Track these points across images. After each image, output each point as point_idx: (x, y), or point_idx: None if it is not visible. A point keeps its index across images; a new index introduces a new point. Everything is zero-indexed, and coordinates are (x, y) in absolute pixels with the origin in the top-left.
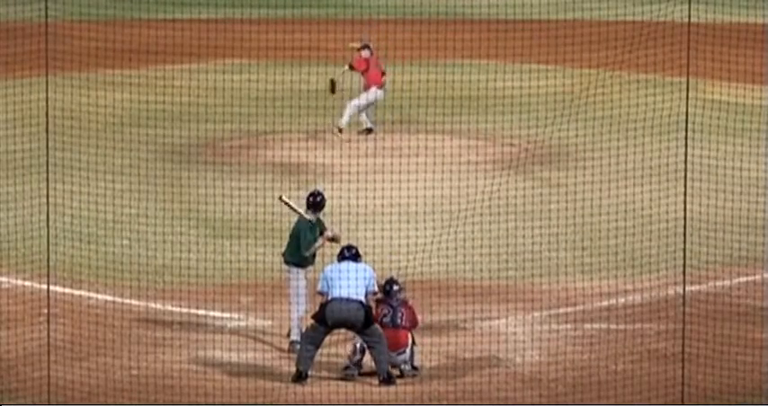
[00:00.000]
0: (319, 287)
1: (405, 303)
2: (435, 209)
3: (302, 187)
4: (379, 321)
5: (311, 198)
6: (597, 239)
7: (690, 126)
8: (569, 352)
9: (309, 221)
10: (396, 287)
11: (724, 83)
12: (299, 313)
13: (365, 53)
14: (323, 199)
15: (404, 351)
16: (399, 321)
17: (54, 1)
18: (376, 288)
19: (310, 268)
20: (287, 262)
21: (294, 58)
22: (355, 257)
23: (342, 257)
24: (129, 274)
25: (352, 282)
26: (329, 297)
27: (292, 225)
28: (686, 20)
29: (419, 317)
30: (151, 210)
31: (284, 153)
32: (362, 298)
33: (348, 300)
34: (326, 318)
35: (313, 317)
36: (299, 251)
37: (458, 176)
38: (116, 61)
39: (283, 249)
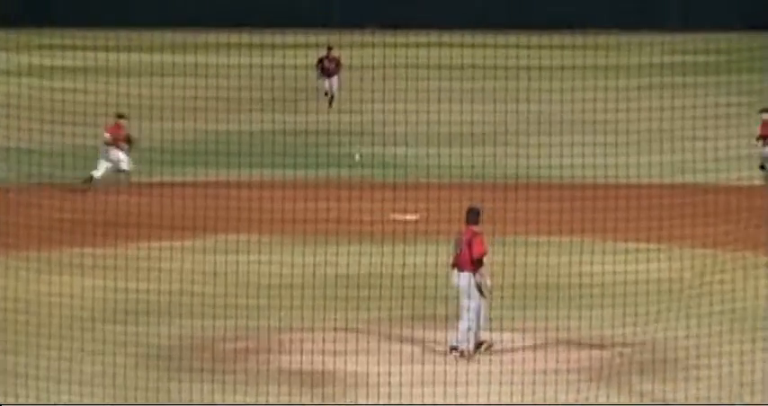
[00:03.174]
0: None
1: None
2: None
3: (328, 402)
4: None
5: None
6: None
7: None
8: None
9: None
10: None
11: None
12: None
13: None
14: None
15: None
16: None
17: (5, 160)
18: None
19: None
20: None
21: (318, 234)
22: None
23: None
24: None
25: None
26: None
27: None
28: None
29: None
30: None
31: (304, 358)
32: None
33: None
34: None
35: None
36: None
37: (531, 389)
38: (86, 237)
39: None
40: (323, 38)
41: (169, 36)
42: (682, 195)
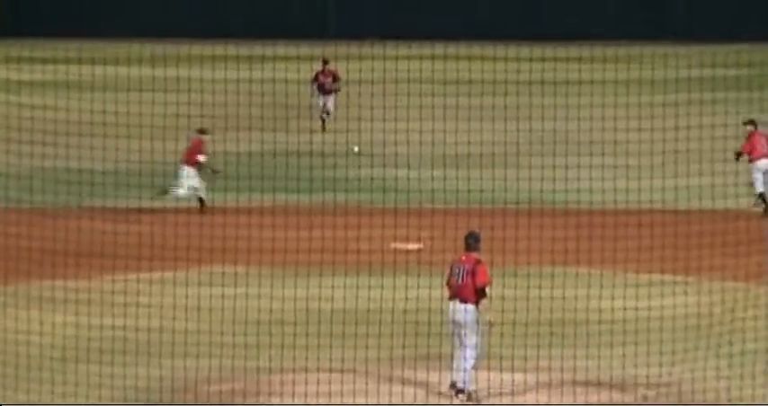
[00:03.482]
0: None
1: None
2: None
3: None
4: None
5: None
6: None
7: None
8: None
9: None
10: None
11: None
12: None
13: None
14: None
15: None
16: None
17: None
18: None
19: None
20: None
21: (311, 265)
22: None
23: None
24: None
25: None
26: None
27: None
28: None
29: None
30: None
31: (296, 401)
32: None
33: None
34: None
35: None
36: None
37: None
38: (57, 268)
39: None
40: (318, 50)
41: (148, 48)
42: (710, 222)
